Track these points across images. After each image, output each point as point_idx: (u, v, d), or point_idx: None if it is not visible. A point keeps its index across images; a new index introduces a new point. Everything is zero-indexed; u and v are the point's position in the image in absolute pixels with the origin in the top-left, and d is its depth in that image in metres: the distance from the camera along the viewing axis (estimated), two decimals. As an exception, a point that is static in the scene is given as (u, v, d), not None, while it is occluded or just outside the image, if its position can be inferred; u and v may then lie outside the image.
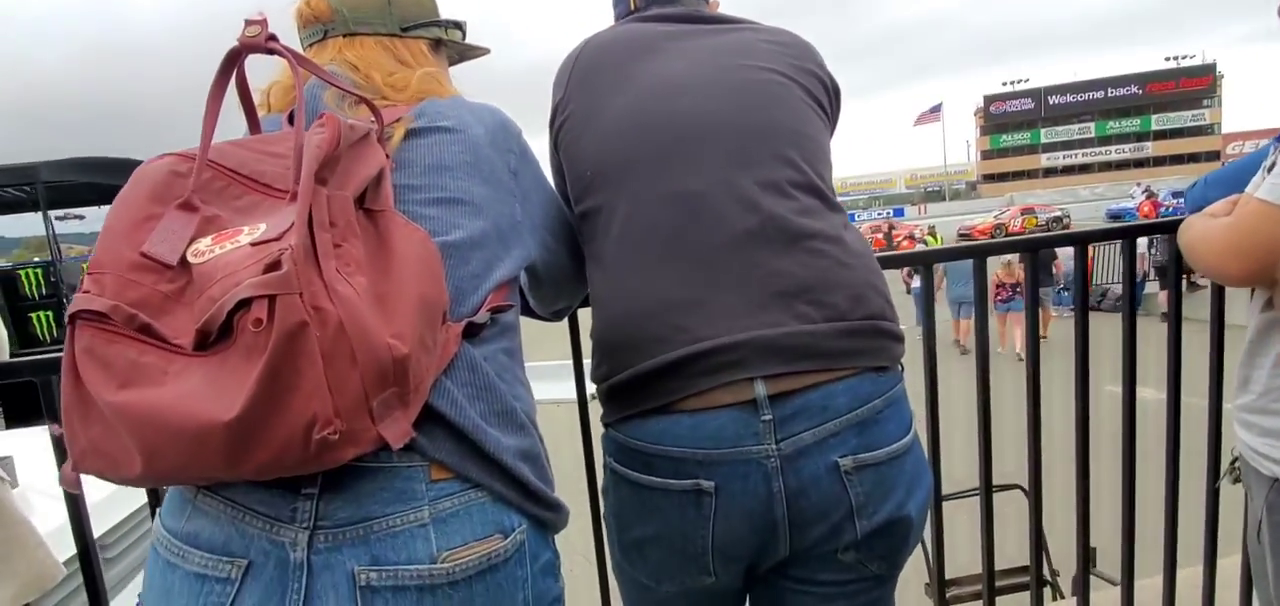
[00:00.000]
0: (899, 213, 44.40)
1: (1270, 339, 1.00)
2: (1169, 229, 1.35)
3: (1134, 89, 55.92)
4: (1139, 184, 36.06)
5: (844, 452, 0.82)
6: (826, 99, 1.00)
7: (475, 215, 0.76)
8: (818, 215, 0.89)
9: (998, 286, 9.63)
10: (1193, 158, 53.09)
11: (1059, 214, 28.84)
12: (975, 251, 1.40)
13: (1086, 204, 35.52)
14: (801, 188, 0.89)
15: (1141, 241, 12.65)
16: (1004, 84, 60.92)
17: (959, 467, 2.00)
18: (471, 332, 0.73)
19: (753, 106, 0.92)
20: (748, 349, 0.81)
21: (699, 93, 0.92)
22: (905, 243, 17.58)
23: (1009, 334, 9.01)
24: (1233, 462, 1.11)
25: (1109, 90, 56.74)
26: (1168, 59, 55.56)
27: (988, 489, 1.43)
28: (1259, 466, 1.02)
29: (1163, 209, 20.71)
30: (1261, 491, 1.01)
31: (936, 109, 56.66)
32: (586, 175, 0.94)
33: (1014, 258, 10.94)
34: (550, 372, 3.32)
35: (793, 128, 0.92)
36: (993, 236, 24.88)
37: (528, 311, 1.07)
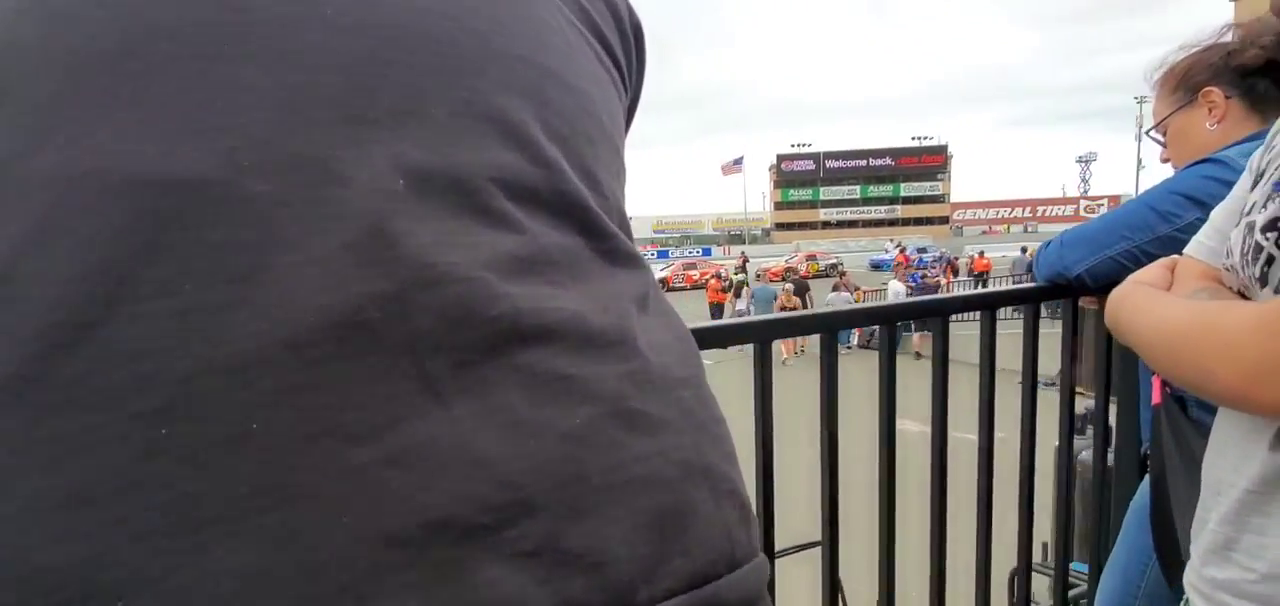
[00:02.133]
0: (707, 252, 49.41)
1: None
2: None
3: (888, 160, 67.63)
4: (892, 240, 44.95)
5: None
6: (619, 39, 0.47)
7: None
8: (576, 272, 0.37)
9: (781, 309, 13.17)
10: (929, 221, 65.53)
11: (835, 261, 34.66)
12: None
13: (855, 254, 42.53)
14: (534, 200, 0.36)
15: (897, 289, 16.76)
16: (792, 145, 70.00)
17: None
18: None
19: None
20: None
21: None
22: (714, 280, 20.90)
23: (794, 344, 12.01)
24: None
25: (871, 160, 68.00)
26: (913, 138, 68.31)
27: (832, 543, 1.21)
28: None
29: (911, 259, 27.49)
30: None
31: (739, 161, 63.56)
32: None
33: (788, 287, 14.84)
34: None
35: (529, 57, 0.39)
36: (784, 278, 29.55)
37: None
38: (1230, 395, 0.58)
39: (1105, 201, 58.62)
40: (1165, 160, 1.26)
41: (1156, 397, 0.98)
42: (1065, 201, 64.59)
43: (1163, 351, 0.66)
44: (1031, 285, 1.25)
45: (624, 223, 0.42)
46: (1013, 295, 1.27)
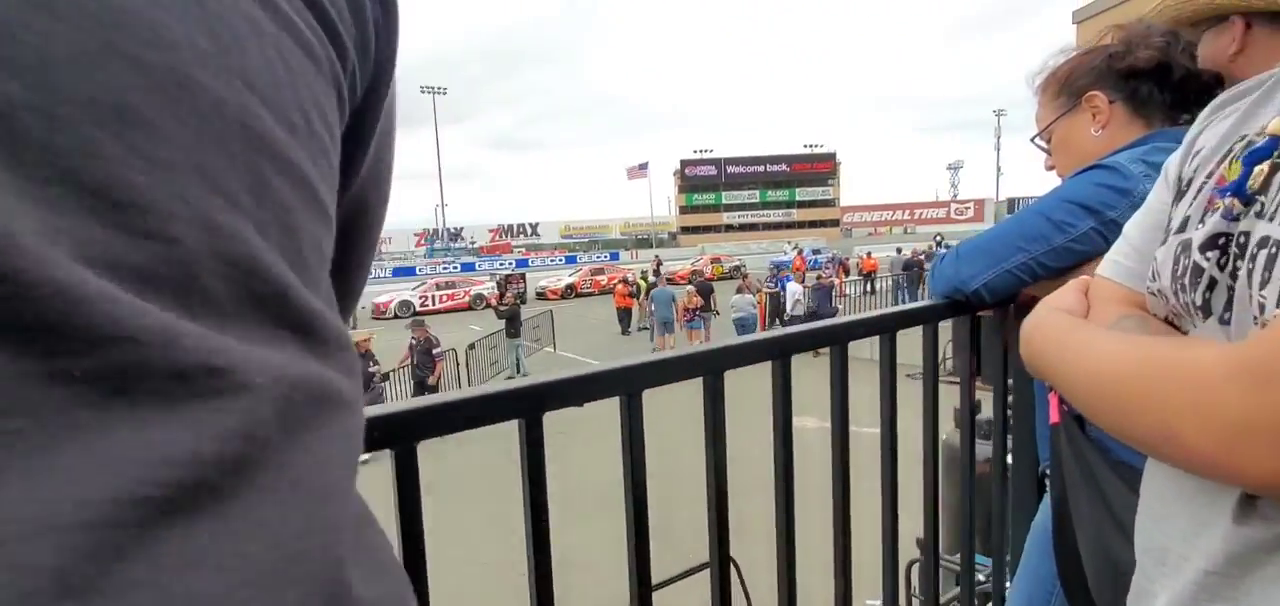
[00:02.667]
0: (615, 256, 49.56)
1: (1264, 572, 0.46)
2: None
3: (784, 166, 70.62)
4: (790, 243, 47.06)
5: None
6: None
7: None
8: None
9: (685, 310, 14.64)
10: (822, 223, 68.87)
11: (738, 263, 35.74)
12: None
13: (757, 255, 44.08)
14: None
15: (794, 290, 17.46)
16: (695, 151, 71.55)
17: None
18: None
19: None
20: None
21: None
22: (621, 285, 21.37)
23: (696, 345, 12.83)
24: None
25: (768, 166, 70.73)
26: (805, 145, 71.63)
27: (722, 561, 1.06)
28: None
29: (808, 261, 28.89)
30: None
31: (644, 166, 64.17)
32: None
33: (691, 289, 15.50)
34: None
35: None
36: (690, 280, 30.32)
37: None
38: (1200, 461, 0.44)
39: (971, 204, 64.18)
40: (1050, 168, 1.22)
41: (1054, 416, 0.91)
42: (938, 204, 70.05)
43: (1105, 402, 0.52)
44: (928, 304, 1.19)
45: (263, 287, 0.22)
46: (910, 316, 1.20)
